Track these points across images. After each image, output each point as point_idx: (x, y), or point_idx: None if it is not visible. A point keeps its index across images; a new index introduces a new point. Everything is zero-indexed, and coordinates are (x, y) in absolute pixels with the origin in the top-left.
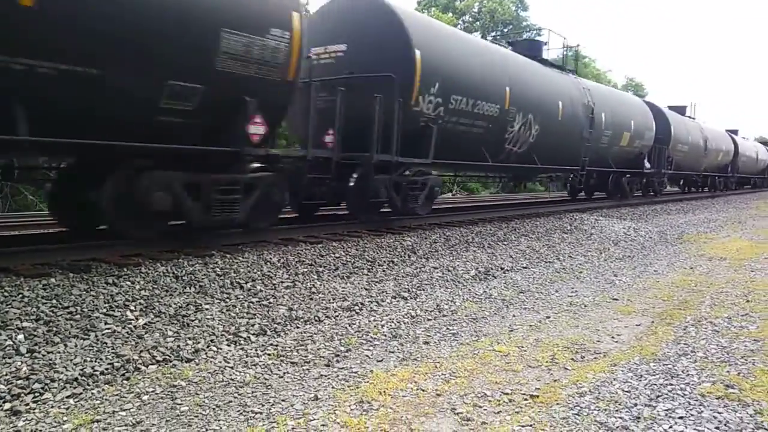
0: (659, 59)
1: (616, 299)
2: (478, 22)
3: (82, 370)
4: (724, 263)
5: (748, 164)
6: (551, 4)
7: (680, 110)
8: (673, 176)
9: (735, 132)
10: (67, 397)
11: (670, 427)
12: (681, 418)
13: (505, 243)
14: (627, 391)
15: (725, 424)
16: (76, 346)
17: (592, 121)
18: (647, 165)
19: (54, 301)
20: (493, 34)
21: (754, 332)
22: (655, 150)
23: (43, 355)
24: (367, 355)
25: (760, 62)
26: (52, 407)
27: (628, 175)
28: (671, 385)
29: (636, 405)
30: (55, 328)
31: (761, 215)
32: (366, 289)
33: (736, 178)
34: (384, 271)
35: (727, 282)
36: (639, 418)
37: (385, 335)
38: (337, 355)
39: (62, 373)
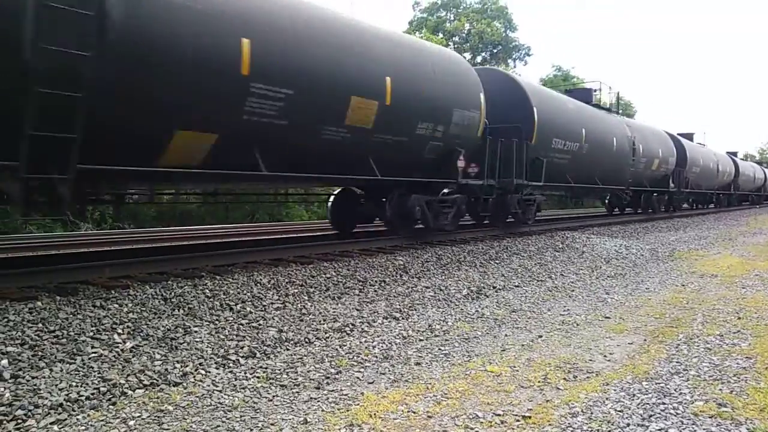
0: (648, 77)
1: (609, 317)
2: (467, 44)
3: (67, 395)
4: (716, 280)
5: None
6: (540, 25)
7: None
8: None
9: (735, 154)
10: (51, 423)
11: None
12: None
13: (497, 262)
14: (619, 411)
15: None
16: (61, 370)
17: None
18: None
19: (40, 325)
20: (483, 54)
21: (746, 349)
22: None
23: (28, 381)
24: (358, 377)
25: (748, 80)
26: None
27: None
28: (664, 404)
29: (629, 425)
30: (40, 353)
31: (751, 232)
32: (357, 310)
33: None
34: (375, 291)
35: (718, 299)
36: None
37: (377, 356)
38: (328, 378)
39: (47, 398)
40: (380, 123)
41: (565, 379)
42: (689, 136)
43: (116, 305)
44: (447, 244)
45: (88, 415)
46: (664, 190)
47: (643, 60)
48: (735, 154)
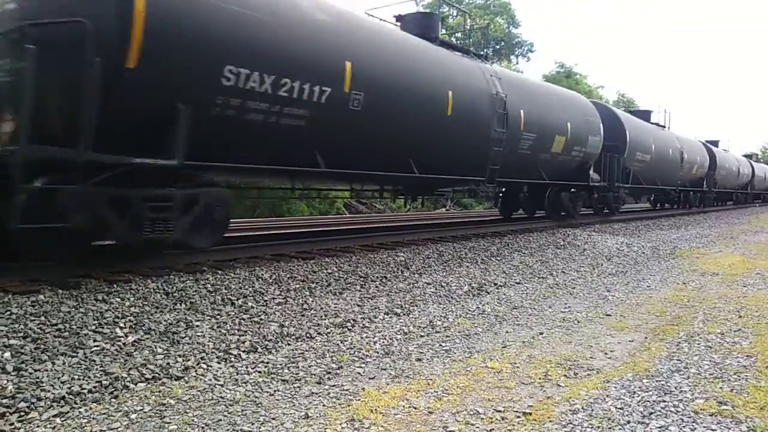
0: (652, 75)
1: (609, 315)
2: (470, 39)
3: (69, 388)
4: (717, 278)
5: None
6: (543, 21)
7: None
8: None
9: (715, 143)
10: (54, 416)
11: None
12: None
13: (499, 258)
14: (620, 408)
15: None
16: (64, 363)
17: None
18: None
19: (42, 318)
20: (485, 50)
21: (747, 348)
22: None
23: (30, 373)
24: (359, 373)
25: (751, 75)
26: (38, 427)
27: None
28: (664, 401)
29: (629, 422)
30: (42, 346)
31: (752, 230)
32: (358, 306)
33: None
34: (377, 287)
35: (719, 297)
36: None
37: (378, 352)
38: (329, 373)
39: (49, 391)
40: None
41: (565, 376)
42: (644, 114)
43: (118, 299)
44: (448, 240)
45: (91, 408)
46: (583, 185)
47: (650, 58)
48: (715, 143)
